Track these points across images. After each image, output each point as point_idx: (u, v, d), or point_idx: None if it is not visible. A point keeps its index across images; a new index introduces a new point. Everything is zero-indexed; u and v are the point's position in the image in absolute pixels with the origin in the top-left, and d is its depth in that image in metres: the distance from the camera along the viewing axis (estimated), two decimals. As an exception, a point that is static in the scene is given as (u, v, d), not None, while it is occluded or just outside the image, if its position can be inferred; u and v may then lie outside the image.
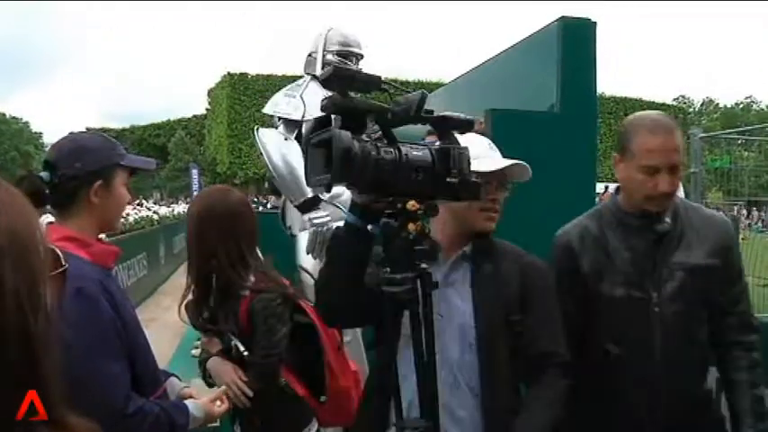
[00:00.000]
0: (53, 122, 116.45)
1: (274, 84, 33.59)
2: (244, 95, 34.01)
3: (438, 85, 11.40)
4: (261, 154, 3.63)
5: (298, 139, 3.61)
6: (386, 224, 1.40)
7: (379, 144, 1.31)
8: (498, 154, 1.84)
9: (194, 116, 48.01)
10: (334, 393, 2.26)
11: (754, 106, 61.87)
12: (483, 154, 1.76)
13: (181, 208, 23.52)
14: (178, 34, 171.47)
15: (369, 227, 1.46)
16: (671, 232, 1.98)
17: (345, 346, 2.49)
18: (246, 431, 2.27)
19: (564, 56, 3.67)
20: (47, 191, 1.68)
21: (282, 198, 3.87)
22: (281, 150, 3.53)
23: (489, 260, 1.77)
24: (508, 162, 1.79)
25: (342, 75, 1.30)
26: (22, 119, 59.34)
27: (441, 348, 1.58)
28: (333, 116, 1.35)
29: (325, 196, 3.33)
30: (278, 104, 3.81)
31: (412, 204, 1.37)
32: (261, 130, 3.76)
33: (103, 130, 44.55)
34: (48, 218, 2.00)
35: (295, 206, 3.49)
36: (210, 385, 2.19)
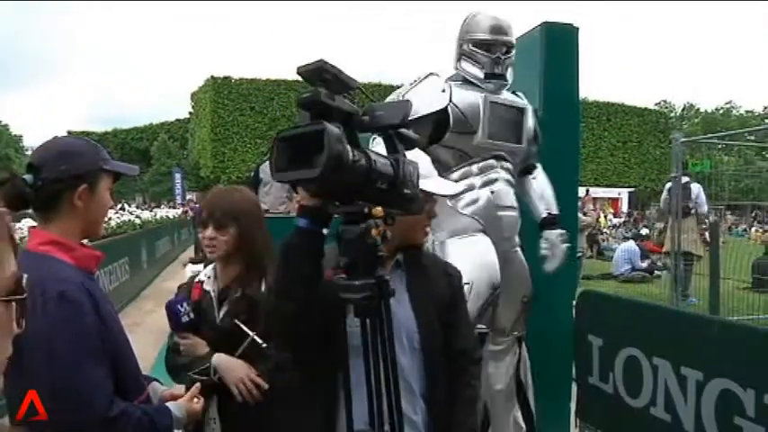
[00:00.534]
0: (34, 126, 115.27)
1: (258, 88, 33.59)
2: (227, 99, 33.79)
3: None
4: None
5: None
6: (346, 230, 1.39)
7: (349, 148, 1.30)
8: (436, 172, 2.06)
9: (177, 120, 47.70)
10: None
11: (734, 111, 62.68)
12: (431, 173, 1.96)
13: (163, 212, 23.37)
14: (161, 37, 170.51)
15: (324, 231, 1.45)
16: None
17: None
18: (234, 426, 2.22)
19: (546, 61, 3.72)
20: (30, 194, 1.66)
21: None
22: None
23: (419, 267, 1.86)
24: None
25: (329, 71, 1.28)
26: (1, 122, 58.64)
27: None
28: (304, 112, 1.30)
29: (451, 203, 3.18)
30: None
31: (378, 211, 1.38)
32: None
33: (86, 133, 44.21)
34: (28, 222, 1.98)
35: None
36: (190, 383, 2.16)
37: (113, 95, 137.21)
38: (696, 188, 8.78)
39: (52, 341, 1.54)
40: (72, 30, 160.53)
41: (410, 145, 1.48)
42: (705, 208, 8.99)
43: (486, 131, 3.07)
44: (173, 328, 2.21)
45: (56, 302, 1.56)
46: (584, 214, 16.69)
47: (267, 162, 1.57)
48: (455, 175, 3.06)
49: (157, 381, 2.00)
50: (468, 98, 3.11)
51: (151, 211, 23.22)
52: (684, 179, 7.99)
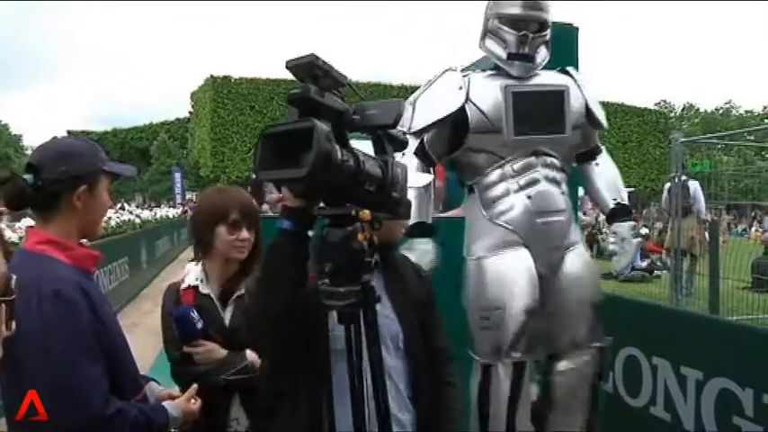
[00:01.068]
0: (33, 125, 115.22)
1: (258, 87, 33.55)
2: (227, 99, 33.72)
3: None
4: None
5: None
6: (330, 233, 1.34)
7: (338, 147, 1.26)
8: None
9: (177, 119, 47.60)
10: None
11: (734, 111, 62.63)
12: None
13: (163, 211, 23.36)
14: (161, 37, 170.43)
15: (309, 232, 1.41)
16: None
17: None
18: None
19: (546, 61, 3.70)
20: (31, 194, 1.67)
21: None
22: None
23: (394, 267, 1.84)
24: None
25: (320, 66, 1.24)
26: (1, 121, 58.59)
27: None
28: (292, 108, 1.26)
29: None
30: None
31: (366, 214, 1.33)
32: None
33: (86, 133, 44.18)
34: (28, 221, 1.99)
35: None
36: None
37: (113, 95, 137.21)
38: (693, 185, 8.75)
39: (47, 340, 1.55)
40: (72, 30, 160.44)
41: (399, 146, 1.45)
42: (702, 205, 8.97)
43: (511, 128, 2.68)
44: (186, 339, 2.15)
45: (51, 301, 1.56)
46: (584, 214, 16.66)
47: None
48: (491, 179, 2.74)
49: (155, 381, 2.00)
50: (487, 92, 2.73)
51: (151, 210, 23.21)
52: (683, 177, 7.98)
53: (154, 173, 43.11)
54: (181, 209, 28.90)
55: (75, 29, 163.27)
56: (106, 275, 8.96)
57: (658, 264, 12.68)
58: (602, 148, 3.08)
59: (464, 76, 2.79)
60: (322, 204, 1.42)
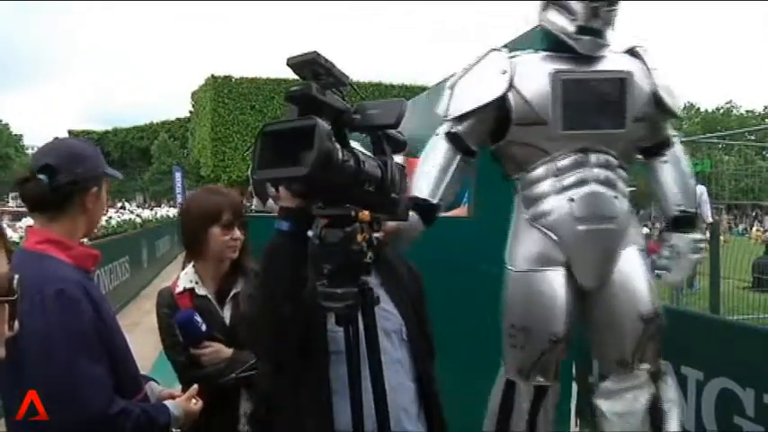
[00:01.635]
0: (34, 125, 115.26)
1: (258, 87, 33.56)
2: (228, 98, 33.78)
3: (422, 89, 11.42)
4: None
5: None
6: (329, 233, 1.31)
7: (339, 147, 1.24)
8: None
9: (178, 119, 47.67)
10: None
11: (734, 111, 62.57)
12: None
13: (164, 211, 23.35)
14: (161, 37, 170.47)
15: (309, 233, 1.37)
16: None
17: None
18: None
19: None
20: (49, 195, 1.69)
21: None
22: None
23: (387, 262, 1.81)
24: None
25: (321, 64, 1.22)
26: (1, 120, 58.57)
27: (386, 350, 1.61)
28: (292, 106, 1.23)
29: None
30: None
31: (366, 215, 1.31)
32: None
33: (86, 132, 44.29)
34: (27, 221, 1.99)
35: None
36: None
37: (113, 95, 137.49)
38: (700, 189, 8.70)
39: (51, 339, 1.55)
40: (72, 30, 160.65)
41: (397, 147, 1.44)
42: (707, 209, 8.89)
43: (559, 120, 2.30)
44: (192, 343, 2.16)
45: (54, 300, 1.57)
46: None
47: None
48: (534, 175, 2.38)
49: (155, 381, 2.00)
50: (535, 78, 2.34)
51: (151, 210, 23.20)
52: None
53: (154, 172, 43.19)
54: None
55: (75, 29, 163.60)
56: (107, 275, 8.97)
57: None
58: (675, 140, 2.63)
59: (511, 58, 2.40)
60: (320, 204, 1.40)
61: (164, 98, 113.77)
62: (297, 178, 1.20)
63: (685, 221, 2.52)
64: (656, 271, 2.55)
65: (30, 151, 47.33)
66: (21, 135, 61.04)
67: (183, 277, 2.29)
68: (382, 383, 1.44)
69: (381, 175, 1.36)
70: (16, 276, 0.82)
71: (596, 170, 2.31)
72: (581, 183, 2.30)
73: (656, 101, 2.42)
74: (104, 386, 1.64)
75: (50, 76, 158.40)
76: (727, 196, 9.92)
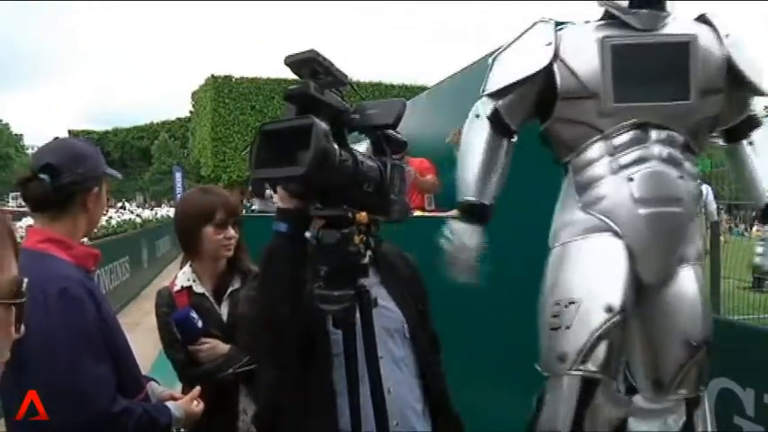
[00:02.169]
0: (34, 125, 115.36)
1: (258, 87, 33.57)
2: (228, 98, 33.81)
3: (422, 89, 11.42)
4: None
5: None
6: (326, 234, 1.29)
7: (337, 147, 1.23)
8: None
9: (178, 119, 47.67)
10: None
11: (735, 111, 62.50)
12: None
13: (164, 211, 23.36)
14: (161, 37, 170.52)
15: (307, 234, 1.35)
16: None
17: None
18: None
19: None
20: (51, 195, 1.70)
21: None
22: None
23: (386, 258, 1.80)
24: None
25: (320, 63, 1.21)
26: (1, 120, 58.58)
27: (389, 349, 1.63)
28: (290, 105, 1.22)
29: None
30: None
31: (363, 216, 1.30)
32: None
33: (86, 132, 44.33)
34: (28, 221, 2.00)
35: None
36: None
37: (113, 95, 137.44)
38: (705, 189, 8.67)
39: (54, 338, 1.55)
40: (72, 30, 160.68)
41: (397, 148, 1.42)
42: (713, 209, 8.86)
43: (610, 92, 2.04)
44: (189, 339, 2.18)
45: (56, 299, 1.57)
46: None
47: None
48: (587, 156, 2.12)
49: (155, 381, 2.01)
50: (582, 46, 2.10)
51: (151, 210, 23.23)
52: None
53: (155, 172, 43.18)
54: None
55: (75, 29, 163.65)
56: (107, 275, 8.97)
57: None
58: (764, 121, 2.28)
59: (558, 30, 2.18)
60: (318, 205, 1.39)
61: (164, 98, 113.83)
62: (293, 178, 1.20)
63: None
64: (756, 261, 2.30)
65: (30, 151, 47.27)
66: (21, 135, 61.07)
67: (181, 276, 2.32)
68: (381, 386, 1.44)
69: (380, 176, 1.35)
70: (25, 280, 0.82)
71: (658, 147, 2.04)
72: (640, 161, 2.04)
73: (732, 72, 2.10)
74: (108, 385, 1.65)
75: (50, 76, 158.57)
76: (728, 196, 9.88)
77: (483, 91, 2.24)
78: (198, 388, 1.98)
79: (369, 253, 1.44)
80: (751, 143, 2.24)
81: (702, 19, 2.17)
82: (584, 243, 2.08)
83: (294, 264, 1.41)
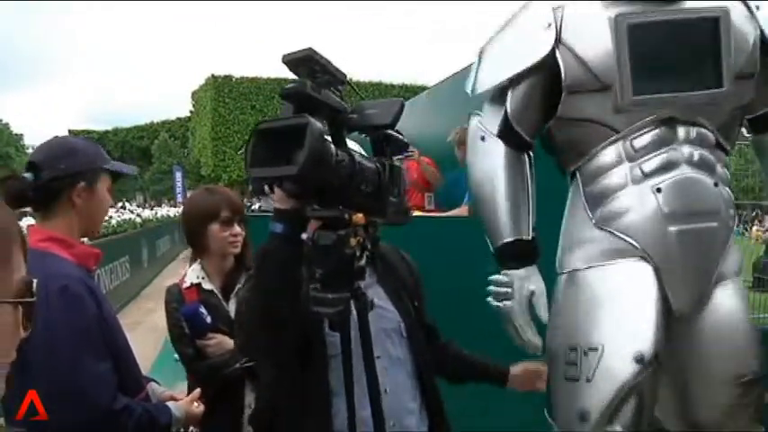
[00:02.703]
0: (34, 125, 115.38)
1: (259, 86, 33.59)
2: (228, 98, 33.85)
3: (422, 89, 11.42)
4: None
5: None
6: (321, 235, 1.26)
7: (333, 147, 1.21)
8: None
9: (178, 118, 47.68)
10: None
11: (735, 111, 62.51)
12: None
13: (164, 211, 23.39)
14: (161, 37, 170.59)
15: (303, 236, 1.32)
16: None
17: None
18: None
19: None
20: (31, 192, 1.69)
21: None
22: None
23: (383, 258, 1.79)
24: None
25: (317, 61, 1.19)
26: (1, 120, 58.58)
27: (386, 349, 1.63)
28: (287, 104, 1.20)
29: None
30: None
31: (360, 217, 1.27)
32: None
33: (86, 132, 44.31)
34: (28, 220, 1.99)
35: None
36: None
37: (113, 95, 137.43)
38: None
39: (54, 336, 1.55)
40: (72, 30, 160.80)
41: (397, 148, 1.40)
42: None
43: (628, 83, 1.66)
44: (198, 334, 2.22)
45: (57, 297, 1.57)
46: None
47: None
48: (600, 161, 1.76)
49: (156, 381, 2.01)
50: (591, 28, 1.70)
51: (152, 209, 23.25)
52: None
53: (155, 172, 43.15)
54: (182, 208, 28.91)
55: (75, 29, 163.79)
56: (107, 275, 8.98)
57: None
58: None
59: (557, 9, 1.75)
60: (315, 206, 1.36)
61: (164, 98, 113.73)
62: (288, 177, 1.18)
63: None
64: None
65: (30, 151, 47.28)
66: (21, 135, 61.11)
67: (191, 273, 2.37)
68: (377, 386, 1.44)
69: (379, 177, 1.34)
70: (35, 280, 0.82)
71: (687, 149, 1.69)
72: (668, 166, 1.68)
73: (766, 50, 1.76)
74: (109, 383, 1.65)
75: (50, 76, 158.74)
76: (728, 196, 9.86)
77: (472, 92, 1.90)
78: (198, 390, 1.99)
79: (366, 255, 1.39)
80: None
81: None
82: (605, 273, 1.73)
83: (287, 265, 1.38)
